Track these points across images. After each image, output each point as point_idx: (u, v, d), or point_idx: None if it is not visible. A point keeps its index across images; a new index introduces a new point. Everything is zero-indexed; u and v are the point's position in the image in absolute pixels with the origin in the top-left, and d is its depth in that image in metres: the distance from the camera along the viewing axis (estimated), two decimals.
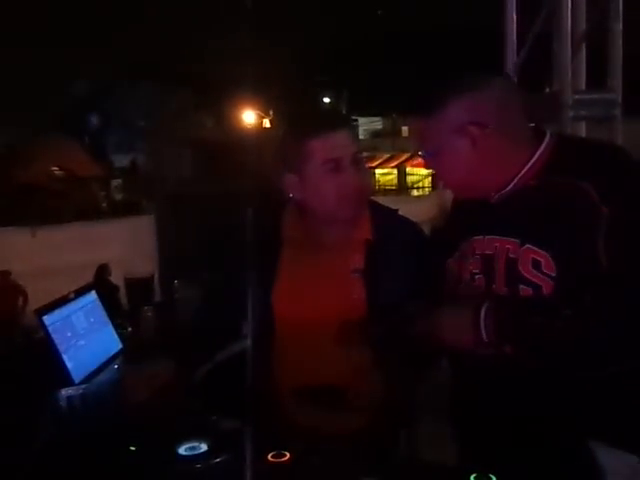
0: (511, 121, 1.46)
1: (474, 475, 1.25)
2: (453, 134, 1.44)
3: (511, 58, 4.23)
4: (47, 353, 2.01)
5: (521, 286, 1.41)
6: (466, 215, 1.61)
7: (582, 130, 4.25)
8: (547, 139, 1.48)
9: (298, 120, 1.91)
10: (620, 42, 3.76)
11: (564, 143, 1.50)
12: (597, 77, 4.09)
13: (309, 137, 1.67)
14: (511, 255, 1.43)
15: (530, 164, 1.45)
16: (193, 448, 1.41)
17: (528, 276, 1.40)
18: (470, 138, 1.43)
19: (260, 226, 1.79)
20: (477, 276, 1.50)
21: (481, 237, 1.51)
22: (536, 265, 1.39)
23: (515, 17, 4.18)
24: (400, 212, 1.88)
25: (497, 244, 1.47)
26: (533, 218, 1.43)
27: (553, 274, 1.37)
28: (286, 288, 1.74)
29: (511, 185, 1.47)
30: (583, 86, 4.21)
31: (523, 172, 1.46)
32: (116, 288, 7.38)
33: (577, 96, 3.89)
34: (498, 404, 1.46)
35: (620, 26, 3.78)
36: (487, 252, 1.49)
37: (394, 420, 1.70)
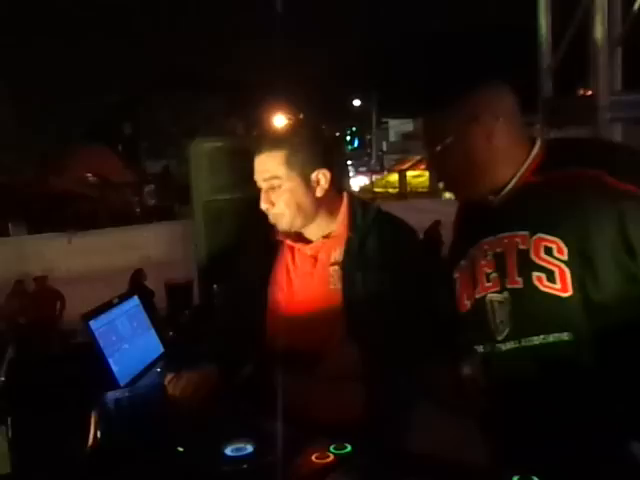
0: (517, 119, 1.52)
1: (517, 477, 1.25)
2: (470, 124, 1.49)
3: (546, 59, 4.21)
4: (88, 357, 2.06)
5: (534, 274, 1.43)
6: (470, 224, 1.66)
7: (618, 132, 4.21)
8: (539, 140, 1.55)
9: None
10: None
11: (555, 142, 1.58)
12: (633, 79, 4.06)
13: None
14: (521, 247, 1.46)
15: (529, 161, 1.51)
16: (239, 449, 1.44)
17: (541, 262, 1.42)
18: (485, 128, 1.48)
19: (264, 229, 1.94)
20: (492, 275, 1.52)
21: (491, 238, 1.53)
22: (548, 251, 1.41)
23: (550, 18, 4.17)
24: (429, 213, 1.96)
25: (506, 240, 1.49)
26: (541, 210, 1.46)
27: (565, 258, 1.40)
28: (279, 281, 1.91)
29: (511, 184, 1.51)
30: (619, 87, 4.18)
31: (523, 169, 1.51)
32: (152, 293, 7.47)
33: (614, 98, 3.87)
34: (537, 404, 1.47)
35: None
36: (498, 250, 1.51)
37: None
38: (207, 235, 2.97)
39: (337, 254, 1.83)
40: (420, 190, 26.32)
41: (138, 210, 17.53)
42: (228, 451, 1.44)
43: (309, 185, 1.82)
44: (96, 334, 2.02)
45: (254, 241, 2.03)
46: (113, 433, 1.63)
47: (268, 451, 1.41)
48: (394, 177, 31.14)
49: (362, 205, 1.92)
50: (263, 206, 1.83)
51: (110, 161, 20.84)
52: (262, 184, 1.82)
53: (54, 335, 8.39)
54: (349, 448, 1.43)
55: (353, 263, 1.79)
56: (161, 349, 2.37)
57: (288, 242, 1.90)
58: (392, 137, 43.73)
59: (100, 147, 21.93)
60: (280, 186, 1.80)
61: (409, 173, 29.98)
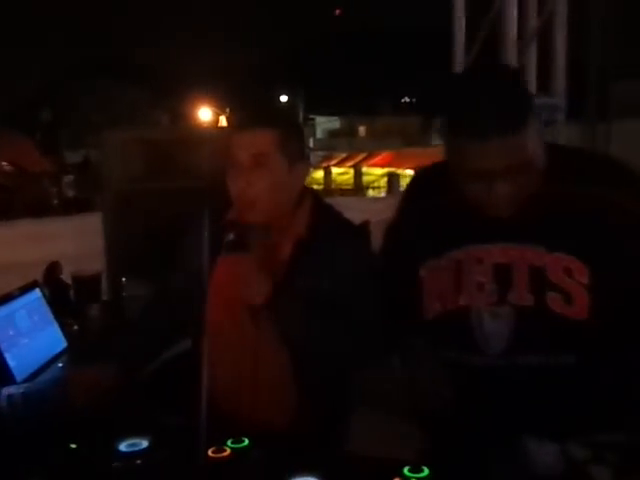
0: None
1: (408, 467, 1.28)
2: (538, 146, 1.38)
3: (459, 60, 4.31)
4: None
5: (549, 293, 1.38)
6: (450, 224, 1.54)
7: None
8: None
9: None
10: (564, 48, 3.87)
11: (554, 151, 1.46)
12: (542, 82, 4.21)
13: (233, 132, 1.72)
14: (536, 263, 1.39)
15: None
16: (134, 444, 1.42)
17: (559, 283, 1.38)
18: (545, 147, 1.41)
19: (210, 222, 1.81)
20: (488, 286, 1.44)
21: (487, 246, 1.45)
22: (567, 272, 1.37)
23: (464, 20, 4.27)
24: (356, 211, 1.88)
25: (513, 252, 1.42)
26: (557, 226, 1.40)
27: (585, 282, 1.37)
28: (223, 276, 1.71)
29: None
30: (533, 91, 4.33)
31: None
32: (67, 286, 7.23)
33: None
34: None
35: (565, 32, 3.89)
36: (500, 261, 1.43)
37: (330, 414, 1.74)
38: (117, 226, 2.91)
39: (283, 252, 1.72)
40: (344, 187, 26.55)
41: (56, 201, 16.96)
42: (122, 447, 1.42)
43: (291, 175, 1.72)
44: None
45: (186, 239, 1.86)
46: (4, 430, 1.58)
47: (163, 446, 1.40)
48: (319, 174, 31.32)
49: (325, 208, 1.83)
50: (235, 186, 1.67)
51: (27, 149, 20.10)
52: (244, 160, 1.66)
53: None
54: (246, 442, 1.43)
55: (301, 264, 1.70)
56: (64, 344, 2.30)
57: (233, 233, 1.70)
58: (319, 134, 43.96)
59: (17, 134, 21.10)
60: (265, 165, 1.67)
61: (334, 170, 30.17)
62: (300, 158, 1.74)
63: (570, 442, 1.35)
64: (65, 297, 2.78)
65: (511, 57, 3.88)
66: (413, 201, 1.69)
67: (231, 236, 1.64)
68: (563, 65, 3.93)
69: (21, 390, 1.80)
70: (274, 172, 1.68)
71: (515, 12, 3.81)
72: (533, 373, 1.40)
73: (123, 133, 3.11)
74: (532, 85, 4.29)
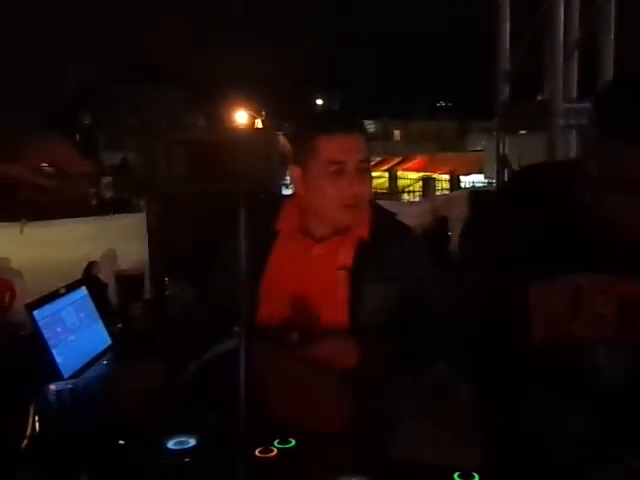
0: None
1: (458, 474, 1.27)
2: None
3: (504, 65, 4.27)
4: (35, 348, 2.02)
5: None
6: (565, 240, 1.40)
7: (572, 139, 4.30)
8: None
9: (313, 117, 1.94)
10: (611, 52, 3.81)
11: None
12: (589, 86, 4.14)
13: (319, 134, 1.68)
14: None
15: None
16: (182, 442, 1.42)
17: None
18: None
19: (253, 223, 1.81)
20: (609, 318, 1.30)
21: (614, 275, 1.31)
22: None
23: (509, 25, 4.23)
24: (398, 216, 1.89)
25: None
26: None
27: None
28: (274, 280, 1.75)
29: None
30: (574, 95, 4.26)
31: None
32: (105, 285, 7.34)
33: (568, 105, 3.94)
34: None
35: (611, 36, 3.83)
36: (628, 294, 1.29)
37: (379, 419, 1.72)
38: (160, 227, 2.94)
39: (345, 257, 1.72)
40: (379, 191, 26.48)
41: (94, 202, 17.25)
42: (170, 445, 1.43)
43: None
44: (40, 324, 1.98)
45: (228, 239, 1.83)
46: (53, 425, 1.60)
47: (211, 445, 1.40)
48: None
49: (380, 210, 1.84)
50: (342, 190, 1.67)
51: (67, 151, 20.42)
52: (351, 166, 1.67)
53: (2, 326, 8.20)
54: (293, 443, 1.42)
55: (365, 271, 1.70)
56: (109, 342, 2.33)
57: (296, 236, 1.76)
58: None
59: (58, 137, 21.47)
60: (368, 169, 1.71)
61: None
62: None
63: None
64: (103, 296, 2.82)
65: (557, 60, 3.82)
66: (518, 207, 1.52)
67: (295, 337, 1.68)
68: (610, 68, 3.87)
69: (68, 386, 1.82)
70: (371, 176, 1.72)
71: (562, 14, 3.76)
72: None
73: (166, 135, 3.14)
74: (573, 90, 4.23)
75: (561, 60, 3.80)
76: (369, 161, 1.73)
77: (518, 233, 1.47)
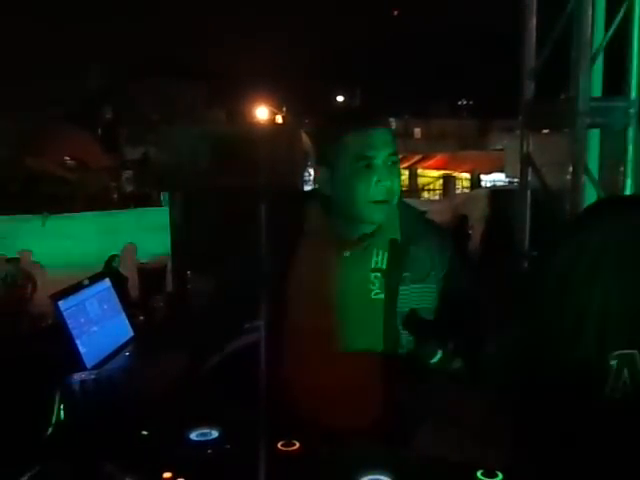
0: None
1: (481, 471, 1.26)
2: None
3: (529, 63, 4.23)
4: (57, 339, 2.04)
5: None
6: None
7: (596, 138, 4.25)
8: None
9: (338, 114, 1.91)
10: (637, 50, 3.75)
11: None
12: (614, 85, 4.09)
13: (346, 131, 1.65)
14: None
15: None
16: (204, 434, 1.43)
17: None
18: None
19: (277, 219, 1.81)
20: None
21: None
22: None
23: (535, 22, 4.18)
24: None
25: None
26: None
27: None
28: (303, 281, 1.72)
29: None
30: (600, 93, 4.21)
31: None
32: (125, 279, 7.42)
33: (593, 103, 3.90)
34: None
35: (637, 33, 3.77)
36: None
37: (402, 416, 1.71)
38: (184, 222, 2.95)
39: (379, 258, 1.70)
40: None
41: (115, 196, 17.34)
42: (193, 436, 1.43)
43: None
44: (64, 315, 2.00)
45: (251, 234, 1.77)
46: (77, 414, 1.61)
47: (233, 437, 1.41)
48: None
49: (410, 209, 1.81)
50: (374, 185, 1.63)
51: (89, 145, 20.59)
52: (380, 160, 1.63)
53: (24, 317, 8.30)
54: (316, 437, 1.43)
55: (401, 271, 1.67)
56: (131, 333, 2.35)
57: (325, 237, 1.73)
58: None
59: (80, 130, 21.65)
60: (397, 164, 1.68)
61: None
62: None
63: None
64: (123, 289, 2.84)
65: (584, 59, 3.77)
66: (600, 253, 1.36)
67: None
68: (637, 67, 3.81)
69: (92, 376, 1.84)
70: (400, 171, 1.70)
71: (590, 11, 3.71)
72: None
73: (191, 130, 3.14)
74: (598, 88, 4.18)
75: (589, 58, 3.74)
76: (398, 155, 1.69)
77: (608, 292, 1.36)
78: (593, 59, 3.87)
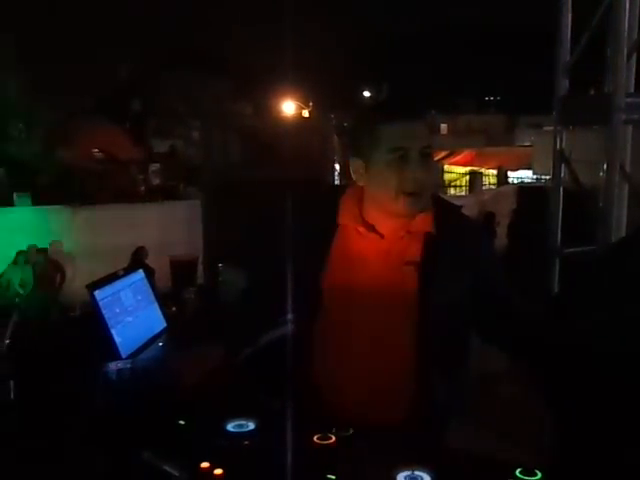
0: None
1: (520, 469, 1.25)
2: None
3: (564, 58, 4.18)
4: (89, 328, 2.06)
5: None
6: None
7: (629, 134, 4.20)
8: None
9: (373, 106, 1.91)
10: None
11: None
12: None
13: (380, 123, 1.65)
14: None
15: None
16: (241, 426, 1.44)
17: None
18: None
19: (311, 212, 1.81)
20: None
21: None
22: None
23: (570, 17, 4.13)
24: None
25: None
26: None
27: None
28: (338, 274, 1.72)
29: None
30: (632, 89, 4.15)
31: None
32: (152, 271, 7.48)
33: (629, 99, 3.84)
34: None
35: None
36: None
37: (437, 412, 1.71)
38: (215, 214, 2.97)
39: (413, 253, 1.68)
40: None
41: (143, 188, 17.47)
42: (230, 427, 1.44)
43: None
44: (100, 304, 2.02)
45: (284, 226, 1.81)
46: (114, 402, 1.63)
47: (270, 429, 1.41)
48: None
49: (445, 203, 1.80)
50: (407, 178, 1.61)
51: (118, 138, 20.76)
52: (414, 152, 1.62)
53: (53, 307, 8.42)
54: (351, 431, 1.43)
55: (435, 265, 1.66)
56: (164, 324, 2.37)
57: (359, 230, 1.72)
58: None
59: (109, 123, 21.84)
60: (430, 156, 1.67)
61: None
62: None
63: None
64: (150, 281, 2.86)
65: (620, 55, 3.72)
66: None
67: None
68: None
69: (128, 365, 1.86)
70: (434, 163, 1.69)
71: (627, 9, 3.65)
72: None
73: (221, 123, 3.16)
74: (631, 84, 4.13)
75: (625, 54, 3.69)
76: (432, 147, 1.68)
77: None
78: (630, 55, 3.81)
